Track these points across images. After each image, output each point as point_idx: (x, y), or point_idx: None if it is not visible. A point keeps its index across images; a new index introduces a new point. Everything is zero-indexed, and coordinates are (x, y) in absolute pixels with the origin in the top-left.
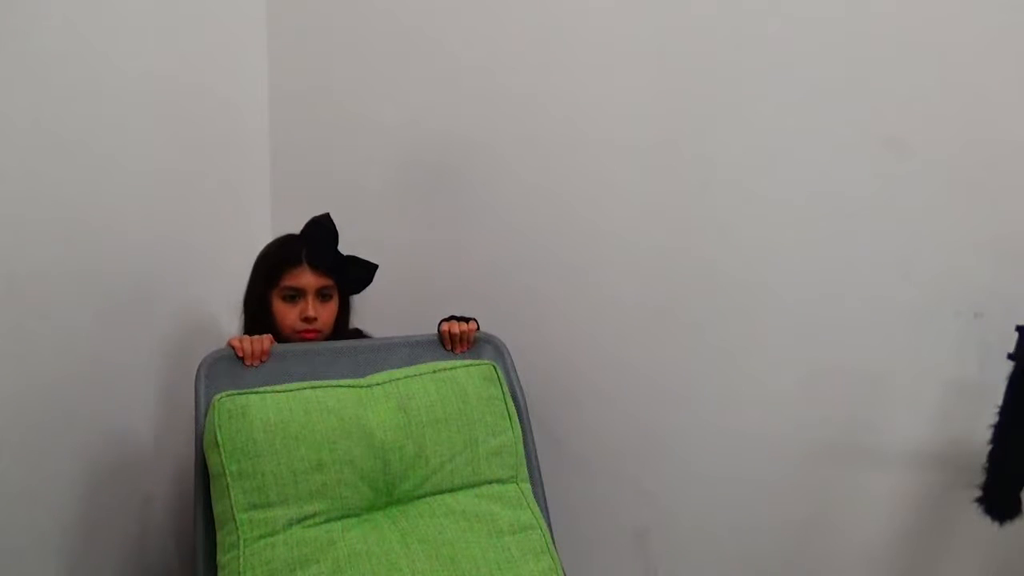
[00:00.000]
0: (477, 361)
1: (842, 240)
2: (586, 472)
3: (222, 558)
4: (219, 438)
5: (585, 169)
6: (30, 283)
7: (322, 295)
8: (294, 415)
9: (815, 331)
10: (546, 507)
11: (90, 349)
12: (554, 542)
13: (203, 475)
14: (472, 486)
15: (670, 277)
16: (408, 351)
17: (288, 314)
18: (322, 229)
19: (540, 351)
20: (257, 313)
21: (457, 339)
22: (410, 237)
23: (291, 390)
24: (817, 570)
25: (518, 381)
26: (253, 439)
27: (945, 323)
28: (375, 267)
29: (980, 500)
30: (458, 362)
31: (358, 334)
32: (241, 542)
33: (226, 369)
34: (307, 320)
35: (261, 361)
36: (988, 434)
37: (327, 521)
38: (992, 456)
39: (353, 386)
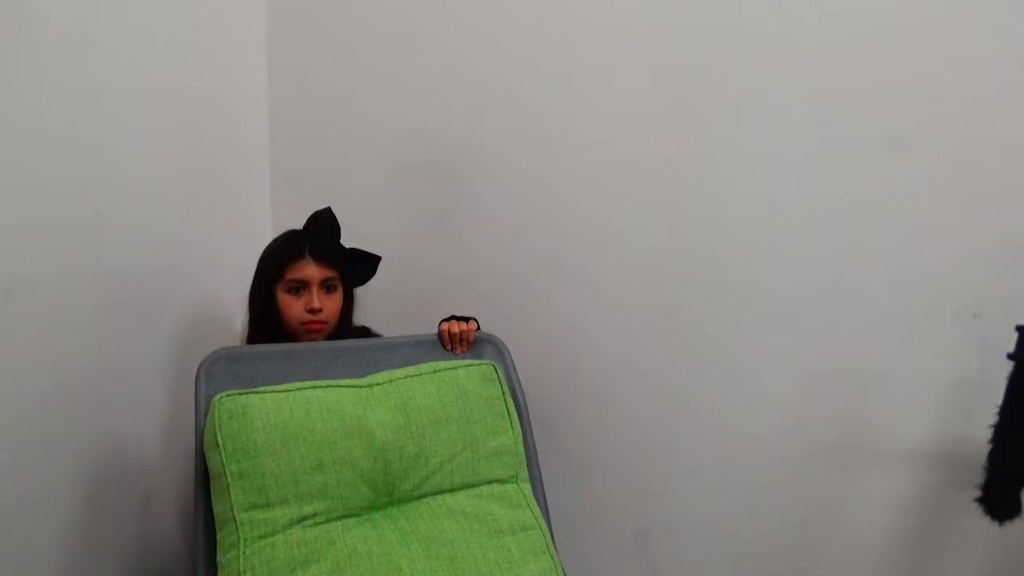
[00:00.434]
0: (477, 361)
1: (842, 240)
2: (586, 472)
3: (222, 558)
4: (219, 438)
5: (585, 169)
6: (31, 284)
7: (326, 287)
8: (294, 415)
9: (815, 330)
10: (546, 507)
11: (91, 350)
12: (554, 542)
13: (203, 475)
14: (472, 486)
15: (670, 277)
16: (408, 351)
17: (293, 306)
18: (324, 222)
19: (540, 351)
20: (263, 309)
21: (457, 339)
22: (410, 237)
23: (291, 390)
24: (817, 570)
25: (518, 381)
26: (253, 439)
27: (945, 323)
28: (378, 259)
29: (980, 500)
30: (458, 362)
31: (366, 331)
32: (241, 542)
33: (226, 369)
34: (312, 311)
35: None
36: (988, 434)
37: (327, 521)
38: (992, 456)
39: (353, 386)
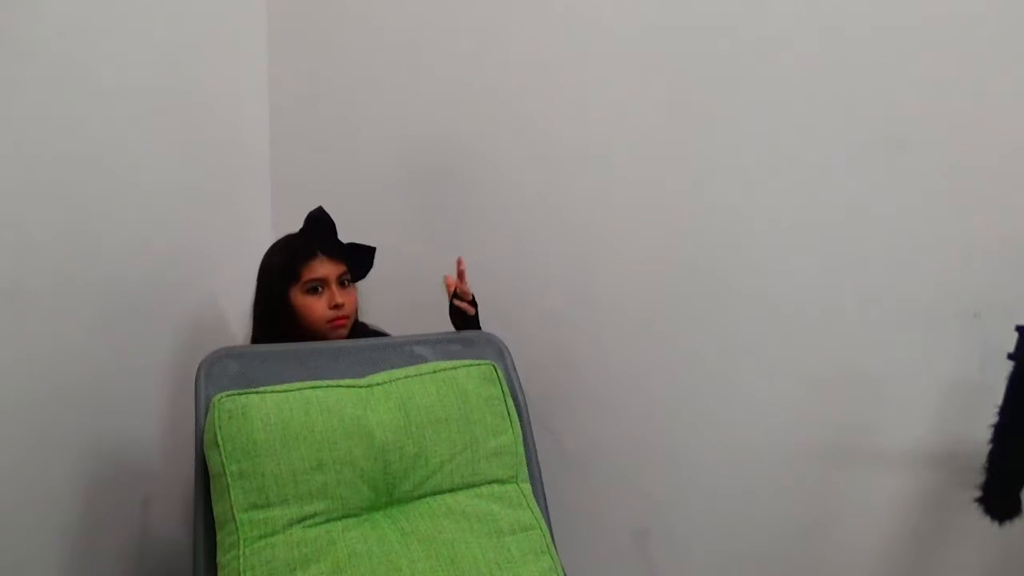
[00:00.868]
0: (477, 361)
1: (841, 241)
2: (586, 472)
3: (222, 558)
4: (219, 438)
5: (585, 171)
6: (31, 289)
7: (341, 282)
8: (294, 415)
9: (815, 332)
10: (546, 507)
11: (92, 354)
12: (554, 542)
13: (203, 475)
14: (472, 486)
15: (670, 278)
16: (408, 351)
17: (315, 306)
18: (323, 221)
19: (540, 351)
20: (275, 317)
21: (462, 277)
22: (410, 239)
23: (291, 390)
24: (817, 570)
25: (518, 381)
26: (253, 439)
27: (945, 323)
28: (374, 249)
29: (980, 500)
30: (458, 362)
31: (382, 335)
32: (241, 542)
33: (226, 369)
34: (336, 307)
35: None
36: (988, 434)
37: (327, 521)
38: (992, 456)
39: (353, 386)
